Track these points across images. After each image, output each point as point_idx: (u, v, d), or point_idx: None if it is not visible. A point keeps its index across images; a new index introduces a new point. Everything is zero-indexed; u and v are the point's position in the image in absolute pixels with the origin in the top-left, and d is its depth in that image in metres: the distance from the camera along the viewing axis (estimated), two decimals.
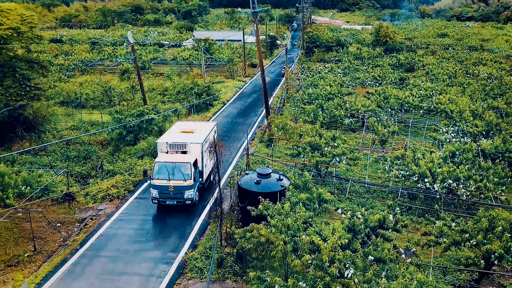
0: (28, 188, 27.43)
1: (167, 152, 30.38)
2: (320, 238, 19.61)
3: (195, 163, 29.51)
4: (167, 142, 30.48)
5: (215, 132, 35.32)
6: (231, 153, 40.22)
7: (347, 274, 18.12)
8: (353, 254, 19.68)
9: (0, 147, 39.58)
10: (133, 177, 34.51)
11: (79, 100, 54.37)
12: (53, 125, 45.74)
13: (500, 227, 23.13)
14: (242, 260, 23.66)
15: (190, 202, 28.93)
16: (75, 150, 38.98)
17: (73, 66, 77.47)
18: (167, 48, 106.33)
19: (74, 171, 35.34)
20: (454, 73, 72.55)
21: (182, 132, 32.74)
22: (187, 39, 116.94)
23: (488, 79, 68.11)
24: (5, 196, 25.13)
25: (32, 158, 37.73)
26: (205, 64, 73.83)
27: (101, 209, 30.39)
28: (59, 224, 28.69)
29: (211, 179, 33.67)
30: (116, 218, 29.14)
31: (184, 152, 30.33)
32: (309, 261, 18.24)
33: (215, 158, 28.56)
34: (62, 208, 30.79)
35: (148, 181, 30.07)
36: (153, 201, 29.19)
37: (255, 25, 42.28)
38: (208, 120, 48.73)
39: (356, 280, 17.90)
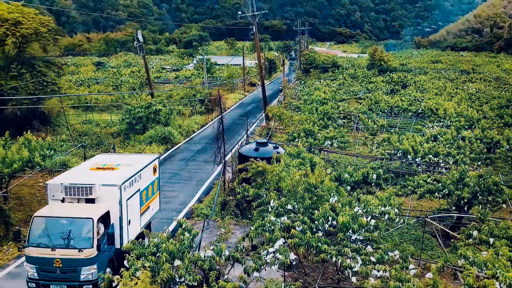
0: (52, 152, 30.58)
1: (62, 201, 19.39)
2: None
3: (104, 219, 18.86)
4: (61, 184, 19.18)
5: (155, 170, 23.94)
6: (232, 143, 43.48)
7: (332, 200, 21.22)
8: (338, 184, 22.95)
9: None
10: None
11: (89, 104, 57.87)
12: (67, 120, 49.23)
13: (469, 179, 26.40)
14: (242, 212, 26.82)
15: (90, 286, 17.95)
16: (89, 139, 42.29)
17: (80, 82, 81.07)
18: (169, 71, 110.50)
19: (88, 155, 38.53)
20: (444, 87, 76.08)
21: (97, 168, 21.53)
22: (189, 64, 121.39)
23: (477, 93, 71.49)
24: (32, 157, 28.27)
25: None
26: (207, 81, 77.86)
27: None
28: None
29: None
30: None
31: (91, 201, 19.23)
32: (300, 183, 21.42)
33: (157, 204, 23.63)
34: None
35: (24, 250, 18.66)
36: (30, 284, 18.17)
37: (254, 27, 45.98)
38: (212, 120, 52.18)
39: (340, 204, 21.02)
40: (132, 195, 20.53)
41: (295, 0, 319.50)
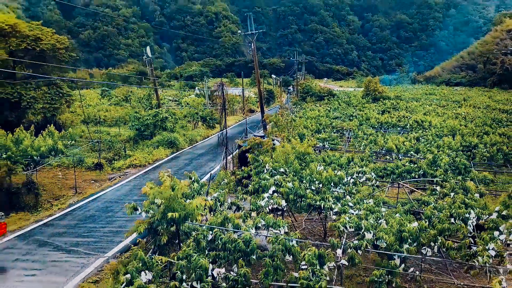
0: (73, 141, 34.28)
1: None
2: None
3: None
4: None
5: None
6: (232, 147, 47.24)
7: (318, 168, 24.82)
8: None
9: None
10: (151, 157, 41.47)
11: (98, 119, 61.66)
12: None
13: (442, 161, 30.10)
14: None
15: None
16: (101, 144, 45.96)
17: (87, 106, 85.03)
18: (170, 101, 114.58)
19: (101, 156, 42.17)
20: (434, 110, 79.94)
21: None
22: (190, 95, 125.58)
23: (464, 113, 75.25)
24: (55, 145, 31.96)
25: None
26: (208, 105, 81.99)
27: (128, 172, 37.18)
28: (93, 181, 35.37)
29: None
30: (140, 175, 35.91)
31: None
32: (291, 153, 25.07)
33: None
34: (94, 173, 37.55)
35: None
36: None
37: (252, 44, 50.03)
38: (213, 134, 55.88)
39: (325, 172, 24.60)
40: None
41: (293, 40, 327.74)
